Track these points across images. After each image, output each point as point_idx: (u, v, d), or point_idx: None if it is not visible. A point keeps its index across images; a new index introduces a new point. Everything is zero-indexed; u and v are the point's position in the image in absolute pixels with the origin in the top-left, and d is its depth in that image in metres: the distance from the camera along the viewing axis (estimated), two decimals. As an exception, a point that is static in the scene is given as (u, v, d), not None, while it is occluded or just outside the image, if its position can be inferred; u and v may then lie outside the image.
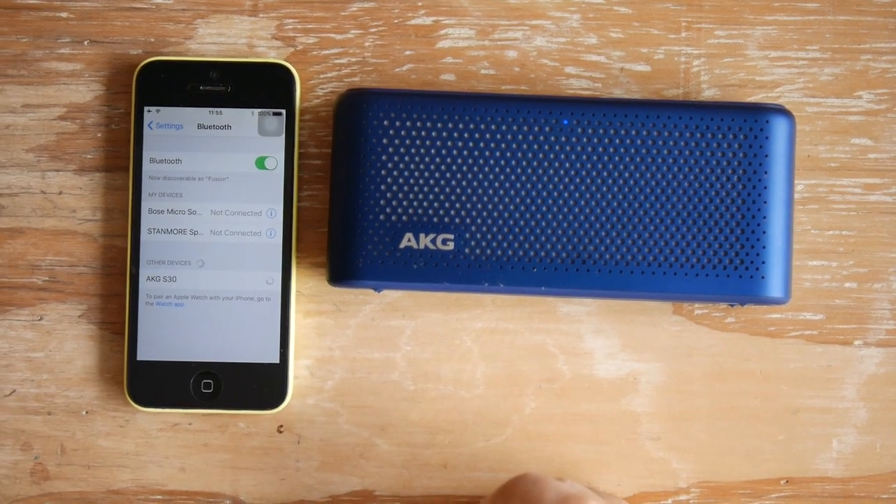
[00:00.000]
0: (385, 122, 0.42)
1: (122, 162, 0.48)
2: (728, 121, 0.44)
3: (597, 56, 0.48)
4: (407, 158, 0.42)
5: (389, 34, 0.48)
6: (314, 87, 0.48)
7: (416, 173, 0.43)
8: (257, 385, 0.47)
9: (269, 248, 0.47)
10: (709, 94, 0.48)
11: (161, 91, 0.47)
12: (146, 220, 0.47)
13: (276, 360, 0.47)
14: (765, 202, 0.44)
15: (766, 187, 0.44)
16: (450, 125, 0.42)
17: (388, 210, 0.43)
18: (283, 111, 0.47)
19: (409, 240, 0.44)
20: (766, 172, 0.44)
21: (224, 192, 0.47)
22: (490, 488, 0.48)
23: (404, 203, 0.43)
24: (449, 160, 0.42)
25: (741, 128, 0.44)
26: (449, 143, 0.42)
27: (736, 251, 0.44)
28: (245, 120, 0.47)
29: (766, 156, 0.44)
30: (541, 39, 0.48)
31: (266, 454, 0.48)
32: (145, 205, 0.47)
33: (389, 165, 0.43)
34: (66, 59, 0.48)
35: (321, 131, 0.48)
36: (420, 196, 0.43)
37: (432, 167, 0.43)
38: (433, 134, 0.42)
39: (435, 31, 0.48)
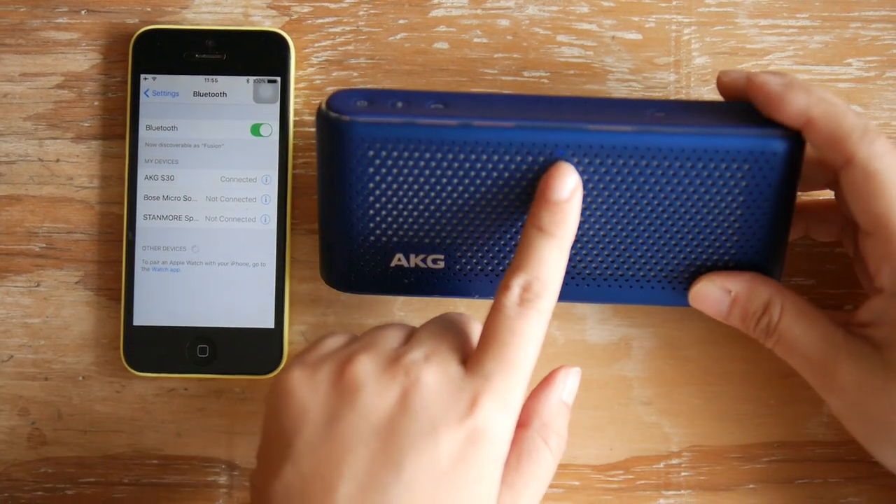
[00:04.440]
0: (370, 153, 0.40)
1: (118, 130, 0.49)
2: (730, 148, 0.40)
3: (588, 24, 0.49)
4: (395, 186, 0.41)
5: (383, 3, 0.49)
6: (309, 56, 0.49)
7: (405, 199, 0.41)
8: (253, 350, 0.47)
9: (264, 213, 0.48)
10: (699, 61, 0.49)
11: (157, 59, 0.48)
12: (142, 187, 0.48)
13: (271, 325, 0.48)
14: (763, 226, 0.42)
15: (764, 214, 0.42)
16: (438, 155, 0.40)
17: (377, 232, 0.42)
18: (278, 79, 0.48)
19: (399, 259, 0.43)
20: (766, 200, 0.41)
21: (219, 159, 0.47)
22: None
23: (394, 226, 0.42)
24: (438, 187, 0.41)
25: (745, 157, 0.40)
26: (438, 172, 0.41)
27: (730, 266, 0.43)
28: (240, 87, 0.48)
29: (769, 185, 0.41)
30: (533, 8, 0.49)
31: (261, 419, 0.49)
32: (142, 171, 0.48)
33: (377, 192, 0.41)
34: (63, 29, 0.49)
35: (316, 99, 0.49)
36: (410, 220, 0.42)
37: (421, 194, 0.41)
38: (421, 164, 0.40)
39: None
